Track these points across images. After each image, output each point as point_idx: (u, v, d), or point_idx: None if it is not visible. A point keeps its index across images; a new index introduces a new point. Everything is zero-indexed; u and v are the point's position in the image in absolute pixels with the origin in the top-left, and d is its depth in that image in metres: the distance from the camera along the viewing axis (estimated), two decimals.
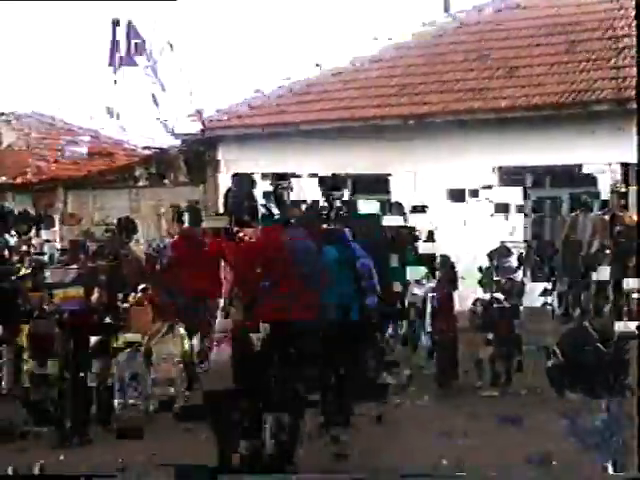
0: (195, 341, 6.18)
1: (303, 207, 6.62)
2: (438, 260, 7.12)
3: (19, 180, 12.70)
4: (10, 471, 4.41)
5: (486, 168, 9.03)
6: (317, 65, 11.41)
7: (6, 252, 8.13)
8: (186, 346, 5.89)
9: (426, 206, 8.03)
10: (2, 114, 14.17)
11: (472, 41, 10.60)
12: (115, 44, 11.83)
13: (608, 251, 7.34)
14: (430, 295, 6.74)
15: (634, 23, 6.39)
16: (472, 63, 9.89)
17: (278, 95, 11.06)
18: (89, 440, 5.28)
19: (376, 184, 9.55)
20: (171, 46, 12.35)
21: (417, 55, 10.61)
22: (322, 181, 8.51)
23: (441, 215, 8.09)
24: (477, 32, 10.90)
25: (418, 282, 7.15)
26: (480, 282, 7.02)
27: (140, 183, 12.17)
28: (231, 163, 10.47)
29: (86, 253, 7.22)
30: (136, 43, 12.09)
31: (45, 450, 5.16)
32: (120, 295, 6.49)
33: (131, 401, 5.71)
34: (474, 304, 6.75)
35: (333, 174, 8.56)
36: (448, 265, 6.94)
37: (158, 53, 12.17)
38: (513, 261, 7.45)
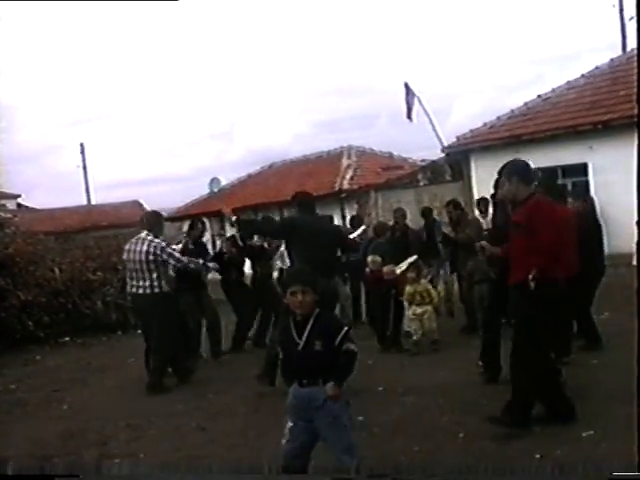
0: None
1: None
2: None
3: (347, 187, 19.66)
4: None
5: None
6: (539, 96, 16.13)
7: None
8: None
9: None
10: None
11: None
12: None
13: None
14: None
15: None
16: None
17: (508, 117, 16.07)
18: None
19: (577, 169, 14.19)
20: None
21: (601, 80, 14.97)
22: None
23: None
24: None
25: None
26: None
27: (421, 184, 17.58)
28: (478, 166, 15.67)
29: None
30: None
31: None
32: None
33: None
34: None
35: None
36: None
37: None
38: None
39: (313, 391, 3.65)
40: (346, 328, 3.73)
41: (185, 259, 7.28)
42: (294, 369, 3.75)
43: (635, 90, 9.31)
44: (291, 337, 3.71)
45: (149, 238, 6.99)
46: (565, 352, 6.15)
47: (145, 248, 6.94)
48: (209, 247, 10.37)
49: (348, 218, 17.93)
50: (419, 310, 7.64)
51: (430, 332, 7.62)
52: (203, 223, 9.26)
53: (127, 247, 7.19)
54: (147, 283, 6.91)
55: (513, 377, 4.94)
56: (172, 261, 7.04)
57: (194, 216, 18.04)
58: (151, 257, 6.89)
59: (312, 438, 3.73)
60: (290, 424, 3.77)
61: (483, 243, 5.72)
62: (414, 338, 7.66)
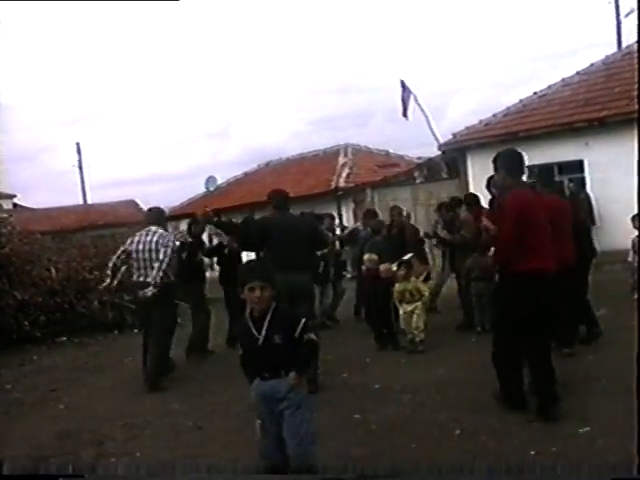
0: None
1: None
2: None
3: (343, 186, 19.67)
4: None
5: None
6: (534, 93, 16.17)
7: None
8: None
9: None
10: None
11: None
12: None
13: None
14: None
15: None
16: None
17: (504, 115, 16.05)
18: None
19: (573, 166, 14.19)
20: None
21: (596, 77, 14.99)
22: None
23: None
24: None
25: None
26: None
27: (417, 181, 17.62)
28: (475, 163, 15.62)
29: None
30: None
31: None
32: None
33: None
34: None
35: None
36: None
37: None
38: None
39: (275, 383, 3.68)
40: (304, 319, 3.75)
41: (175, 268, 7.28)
42: (255, 364, 3.78)
43: (636, 87, 9.25)
44: (250, 333, 3.72)
45: (160, 231, 7.26)
46: (567, 344, 6.26)
47: (155, 239, 7.15)
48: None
49: (345, 216, 18.10)
50: (409, 308, 7.57)
51: (416, 329, 7.54)
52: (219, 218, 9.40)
53: (136, 239, 7.31)
54: (154, 272, 7.01)
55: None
56: (171, 257, 7.13)
57: (191, 215, 18.06)
58: (161, 247, 7.08)
59: (281, 431, 3.73)
60: (258, 421, 3.80)
61: (485, 222, 5.70)
62: (409, 336, 7.62)
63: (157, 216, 7.64)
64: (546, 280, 4.81)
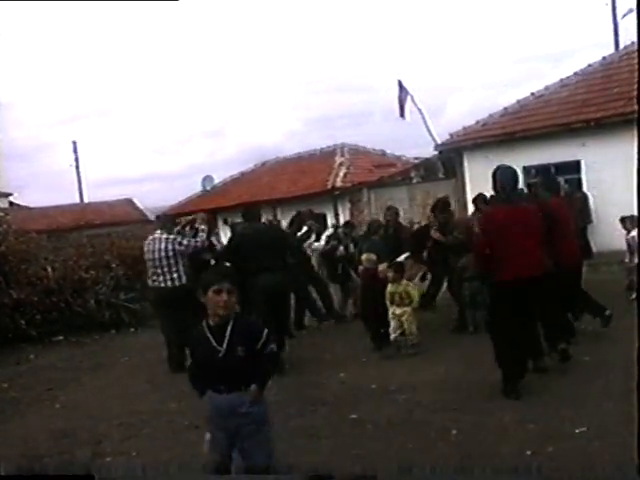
0: None
1: None
2: None
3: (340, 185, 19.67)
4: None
5: None
6: (532, 93, 16.17)
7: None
8: None
9: None
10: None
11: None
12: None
13: None
14: None
15: None
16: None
17: (501, 115, 16.07)
18: None
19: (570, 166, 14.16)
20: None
21: (594, 77, 15.02)
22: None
23: None
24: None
25: None
26: None
27: (414, 181, 17.71)
28: (471, 163, 15.66)
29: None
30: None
31: None
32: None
33: None
34: None
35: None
36: None
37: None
38: None
39: (234, 397, 3.45)
40: (267, 330, 3.54)
41: (193, 242, 7.78)
42: (212, 377, 3.53)
43: (634, 87, 9.24)
44: (208, 343, 3.47)
45: (164, 236, 7.65)
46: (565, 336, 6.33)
47: (163, 245, 7.56)
48: None
49: (341, 216, 18.13)
50: (398, 311, 7.42)
51: (410, 335, 7.41)
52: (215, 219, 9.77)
53: (146, 248, 7.80)
54: (167, 277, 7.50)
55: None
56: (189, 250, 7.63)
57: (188, 214, 18.03)
58: (170, 253, 7.51)
59: (230, 447, 3.56)
60: (208, 435, 3.64)
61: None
62: (392, 336, 7.45)
63: (163, 222, 8.15)
64: (511, 288, 5.31)
